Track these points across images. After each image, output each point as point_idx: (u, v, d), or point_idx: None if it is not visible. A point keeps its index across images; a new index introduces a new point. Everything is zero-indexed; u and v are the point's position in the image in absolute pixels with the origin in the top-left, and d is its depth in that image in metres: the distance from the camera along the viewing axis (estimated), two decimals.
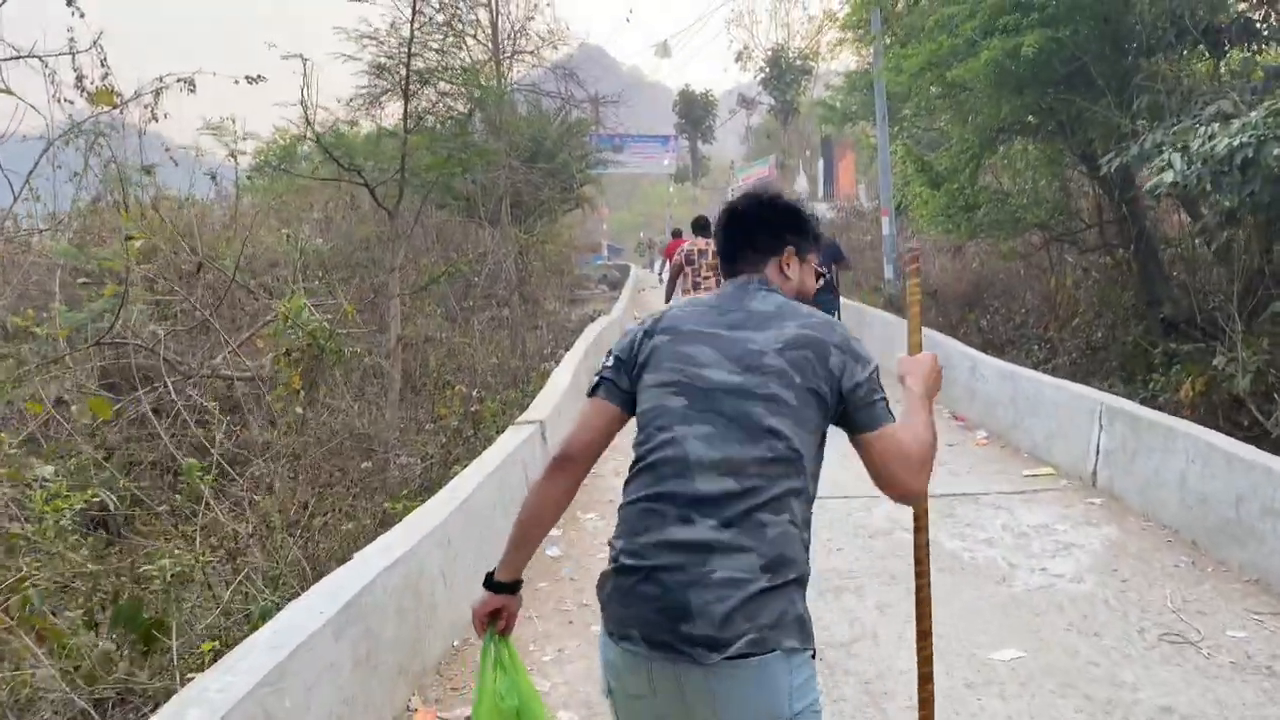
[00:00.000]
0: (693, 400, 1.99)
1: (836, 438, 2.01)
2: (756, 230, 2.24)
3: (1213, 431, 5.57)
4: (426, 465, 8.38)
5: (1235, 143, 7.42)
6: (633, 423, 2.13)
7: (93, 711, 3.74)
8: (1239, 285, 8.74)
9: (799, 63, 42.67)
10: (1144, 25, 9.58)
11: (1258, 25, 9.61)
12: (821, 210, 29.28)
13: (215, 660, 3.06)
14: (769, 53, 43.87)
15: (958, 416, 9.03)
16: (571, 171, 21.13)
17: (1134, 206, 11.12)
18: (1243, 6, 9.76)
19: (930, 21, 11.21)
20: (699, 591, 1.85)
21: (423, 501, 5.49)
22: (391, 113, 13.50)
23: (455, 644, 4.19)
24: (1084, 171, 12.08)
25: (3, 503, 4.85)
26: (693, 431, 1.96)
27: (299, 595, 3.61)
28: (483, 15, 18.45)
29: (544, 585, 5.01)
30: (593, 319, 16.58)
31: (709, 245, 10.26)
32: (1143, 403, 8.66)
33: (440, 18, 11.61)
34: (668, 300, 10.52)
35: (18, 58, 6.38)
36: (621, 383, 2.13)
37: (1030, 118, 11.36)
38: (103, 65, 10.83)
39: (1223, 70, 9.98)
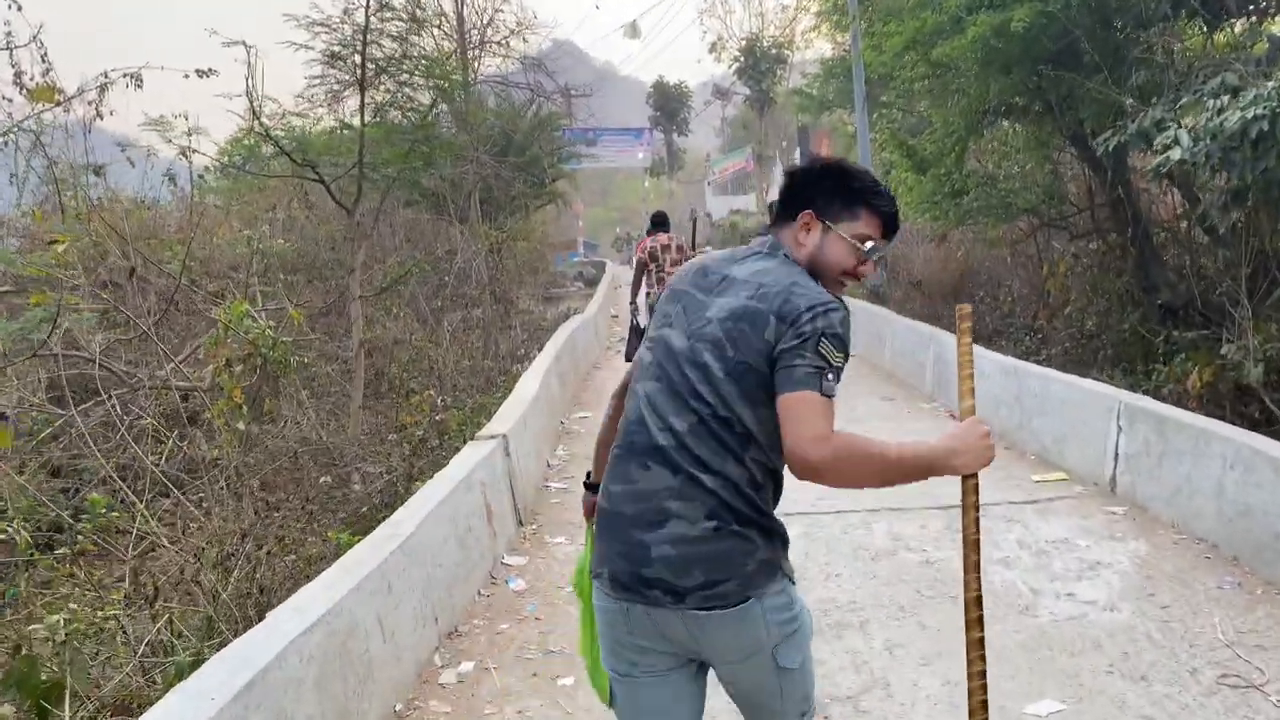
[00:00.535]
0: (659, 357, 2.08)
1: None
2: (786, 191, 2.18)
3: (1256, 435, 5.01)
4: (391, 479, 7.82)
5: (1249, 116, 6.93)
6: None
7: None
8: (1247, 268, 8.27)
9: (774, 51, 42.13)
10: None
11: None
12: None
13: None
14: (743, 42, 43.29)
15: (955, 416, 8.43)
16: (543, 166, 20.49)
17: (1128, 189, 10.66)
18: None
19: None
20: (656, 537, 1.95)
21: (386, 516, 4.92)
22: (354, 106, 12.88)
23: (398, 707, 3.53)
24: (1074, 154, 11.62)
25: None
26: (652, 387, 2.06)
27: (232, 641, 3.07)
28: (448, 4, 17.82)
29: (505, 627, 4.35)
30: (569, 317, 15.99)
31: (671, 240, 10.48)
32: (1146, 395, 8.19)
33: (399, 1, 10.95)
34: (633, 299, 10.63)
35: None
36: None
37: (1018, 99, 10.86)
38: (44, 60, 10.17)
39: (1220, 42, 9.50)
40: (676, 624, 1.97)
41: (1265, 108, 6.71)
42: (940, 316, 13.49)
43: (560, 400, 9.42)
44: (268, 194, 16.29)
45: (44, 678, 3.87)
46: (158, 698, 3.33)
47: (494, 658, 4.02)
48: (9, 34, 9.40)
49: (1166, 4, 9.00)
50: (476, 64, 21.30)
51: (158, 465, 6.84)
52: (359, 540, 4.34)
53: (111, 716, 3.89)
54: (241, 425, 6.28)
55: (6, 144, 10.71)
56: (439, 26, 17.70)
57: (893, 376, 10.84)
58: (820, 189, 2.11)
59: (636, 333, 11.78)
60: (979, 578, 2.18)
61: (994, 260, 15.01)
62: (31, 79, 10.25)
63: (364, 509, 7.23)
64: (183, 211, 14.26)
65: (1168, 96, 8.53)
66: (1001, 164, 12.76)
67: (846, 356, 1.95)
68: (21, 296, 9.14)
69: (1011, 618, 4.23)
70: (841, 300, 2.03)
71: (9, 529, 4.84)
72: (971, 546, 2.15)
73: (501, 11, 22.92)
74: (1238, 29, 9.24)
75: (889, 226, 2.14)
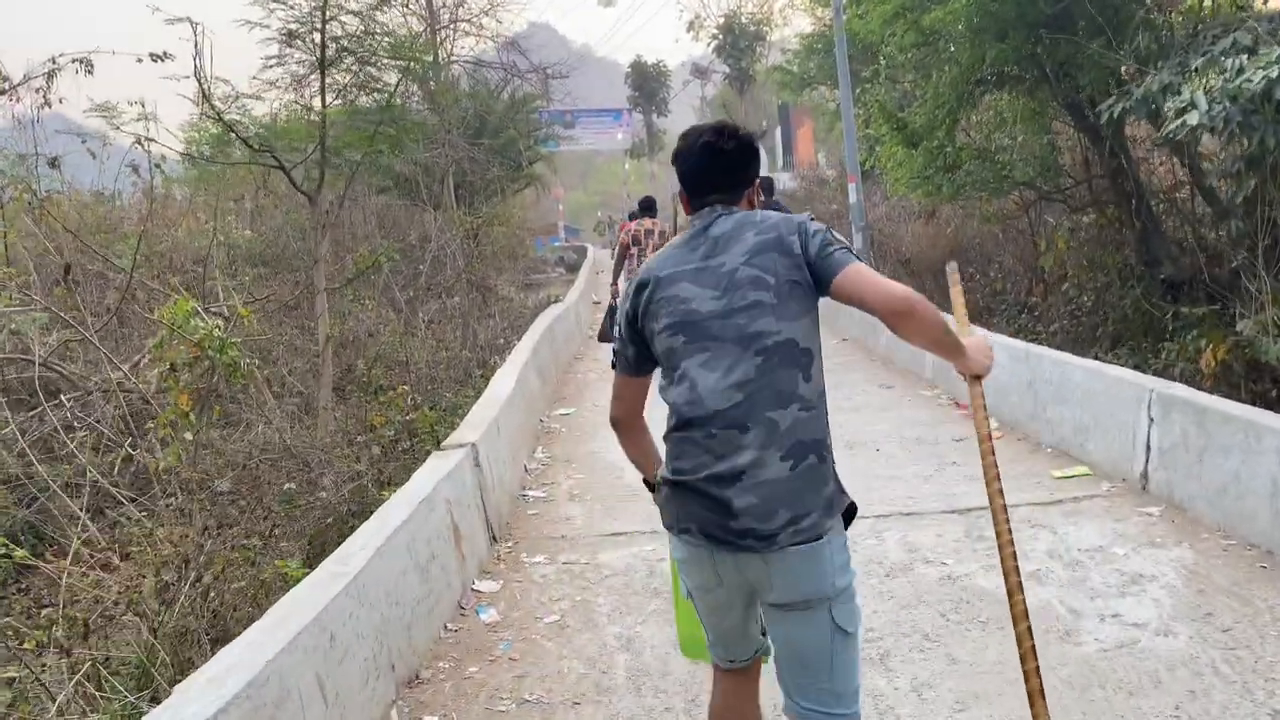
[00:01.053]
0: (689, 335, 2.23)
1: None
2: (736, 167, 2.40)
3: None
4: (360, 484, 7.30)
5: (1272, 75, 6.47)
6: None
7: None
8: (1264, 239, 7.81)
9: (753, 29, 41.48)
10: None
11: None
12: (784, 180, 28.28)
13: None
14: (721, 19, 42.62)
15: (959, 404, 7.89)
16: (520, 148, 19.89)
17: (1128, 158, 10.22)
18: None
19: None
20: (739, 493, 2.13)
21: (356, 525, 4.39)
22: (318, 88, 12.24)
23: None
24: (1070, 124, 11.13)
25: None
26: (695, 362, 2.22)
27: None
28: None
29: (474, 670, 3.75)
30: (551, 304, 15.40)
31: (655, 225, 10.52)
32: (1156, 374, 7.73)
33: None
34: (614, 282, 10.82)
35: None
36: (629, 353, 2.39)
37: (1013, 67, 10.36)
38: None
39: (1218, 2, 9.01)
40: (759, 564, 2.18)
41: None
42: (931, 295, 12.91)
43: (540, 396, 8.84)
44: (236, 184, 15.70)
45: None
46: None
47: (460, 710, 3.43)
48: None
49: None
50: (450, 45, 20.68)
51: (108, 477, 6.33)
52: (305, 574, 3.82)
53: None
54: (189, 435, 5.72)
55: None
56: (407, 4, 17.07)
57: (890, 363, 10.29)
58: (754, 160, 2.44)
59: (613, 315, 11.41)
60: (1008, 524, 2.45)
61: (984, 236, 14.54)
62: None
63: (329, 519, 6.73)
64: (157, 204, 13.72)
65: (1174, 59, 8.07)
66: (992, 136, 12.25)
67: None
68: None
69: (1052, 646, 3.62)
70: None
71: None
72: (995, 491, 2.41)
73: None
74: None
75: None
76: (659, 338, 2.28)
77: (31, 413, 7.34)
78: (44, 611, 4.28)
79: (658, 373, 2.38)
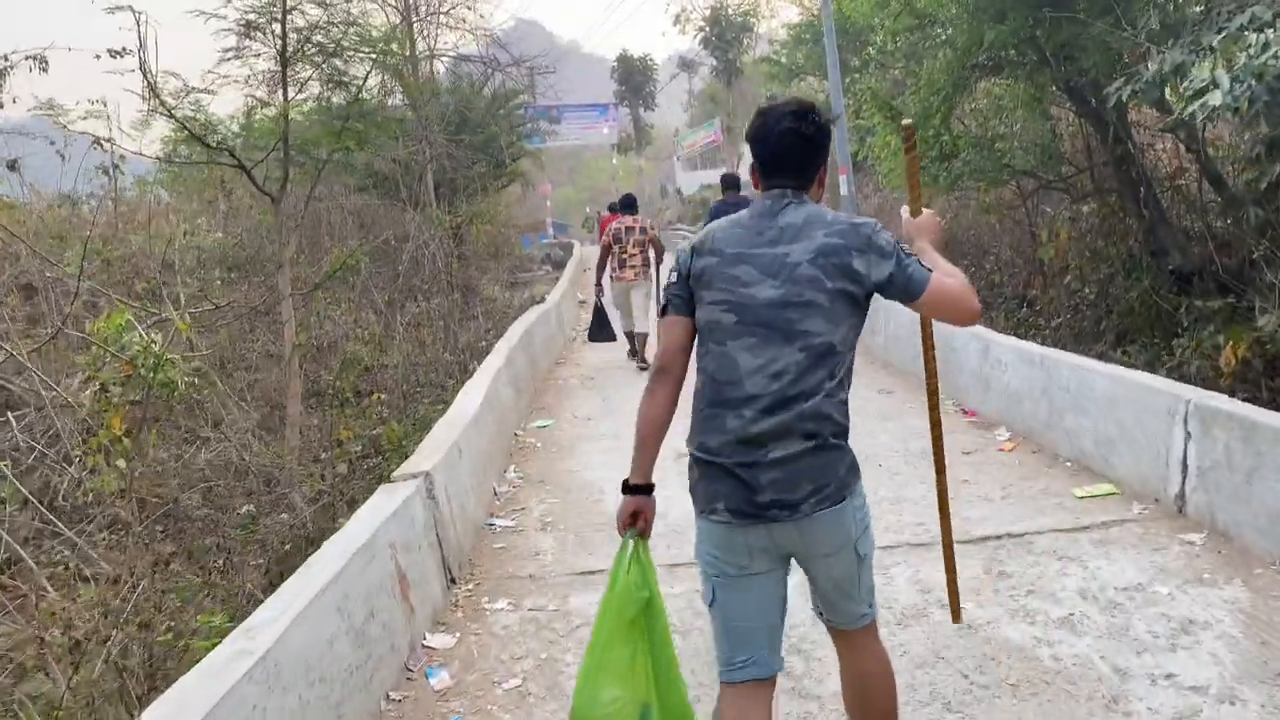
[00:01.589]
0: (741, 316, 2.36)
1: None
2: (813, 153, 2.49)
3: None
4: (326, 502, 6.81)
5: None
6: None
7: None
8: None
9: (739, 20, 41.03)
10: None
11: None
12: None
13: None
14: (708, 11, 42.15)
15: (967, 411, 7.34)
16: (503, 144, 19.34)
17: (1133, 144, 9.75)
18: None
19: None
20: (764, 471, 2.31)
21: (312, 552, 3.88)
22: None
23: None
24: (1071, 109, 10.66)
25: None
26: (741, 344, 2.35)
27: None
28: None
29: None
30: (537, 302, 14.83)
31: (636, 222, 10.70)
32: (1170, 373, 7.25)
33: None
34: (598, 282, 10.90)
35: None
36: (684, 294, 2.49)
37: (1011, 50, 9.88)
38: None
39: None
40: (791, 531, 2.34)
41: None
42: None
43: (513, 409, 8.21)
44: (211, 185, 15.19)
45: None
46: None
47: None
48: None
49: None
50: (432, 39, 20.11)
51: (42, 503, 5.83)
52: (230, 627, 3.31)
53: None
54: (122, 463, 5.20)
55: None
56: None
57: (889, 365, 9.75)
58: (827, 145, 2.52)
59: (600, 314, 10.95)
60: None
61: (979, 226, 14.08)
62: None
63: (287, 546, 6.24)
64: (120, 206, 13.30)
65: (1187, 37, 7.59)
66: (987, 123, 11.78)
67: None
68: None
69: (1097, 717, 3.09)
70: None
71: None
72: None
73: None
74: None
75: None
76: (707, 307, 2.41)
77: None
78: None
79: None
